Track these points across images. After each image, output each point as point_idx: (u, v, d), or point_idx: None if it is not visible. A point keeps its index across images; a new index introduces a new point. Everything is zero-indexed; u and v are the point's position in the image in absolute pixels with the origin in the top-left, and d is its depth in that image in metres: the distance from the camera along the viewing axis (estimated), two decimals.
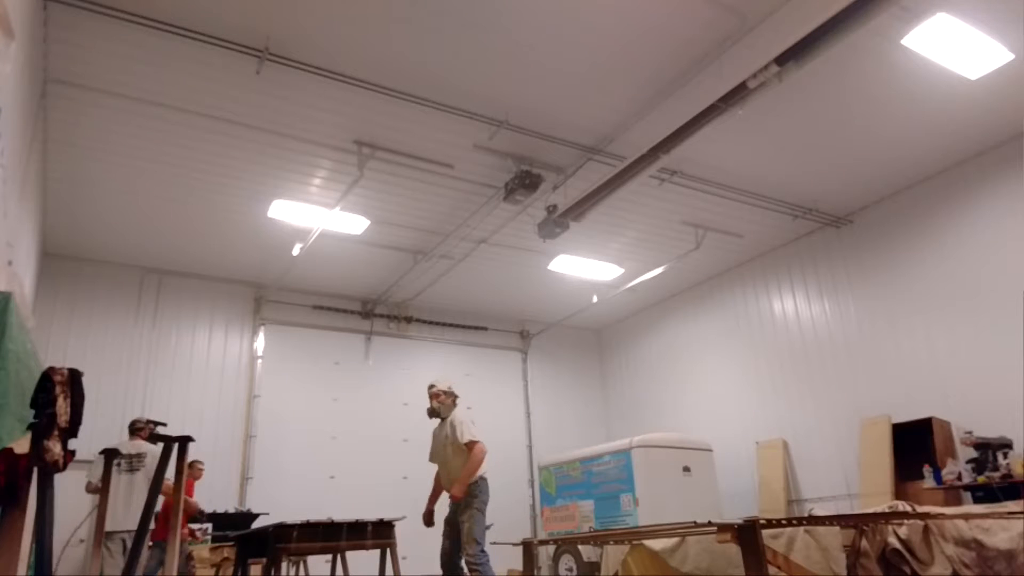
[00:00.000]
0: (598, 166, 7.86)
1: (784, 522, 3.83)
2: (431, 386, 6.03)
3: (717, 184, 8.59)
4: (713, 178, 8.49)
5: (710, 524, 3.44)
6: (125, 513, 6.37)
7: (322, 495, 9.97)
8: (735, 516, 7.03)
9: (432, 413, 5.99)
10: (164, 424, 5.85)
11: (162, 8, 5.57)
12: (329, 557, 5.72)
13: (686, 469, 9.75)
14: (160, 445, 3.50)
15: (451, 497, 5.60)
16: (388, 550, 4.70)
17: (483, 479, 5.73)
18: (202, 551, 6.91)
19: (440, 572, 5.70)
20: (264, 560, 4.03)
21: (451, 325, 12.55)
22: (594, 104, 7.08)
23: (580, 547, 9.68)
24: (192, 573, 6.86)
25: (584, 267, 10.64)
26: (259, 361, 10.62)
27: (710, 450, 10.19)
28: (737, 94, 6.07)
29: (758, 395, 10.59)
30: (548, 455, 11.54)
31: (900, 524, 4.85)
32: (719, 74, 6.26)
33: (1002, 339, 7.63)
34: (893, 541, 4.84)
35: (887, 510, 5.22)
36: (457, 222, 9.18)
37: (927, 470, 7.70)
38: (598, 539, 7.22)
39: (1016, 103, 7.21)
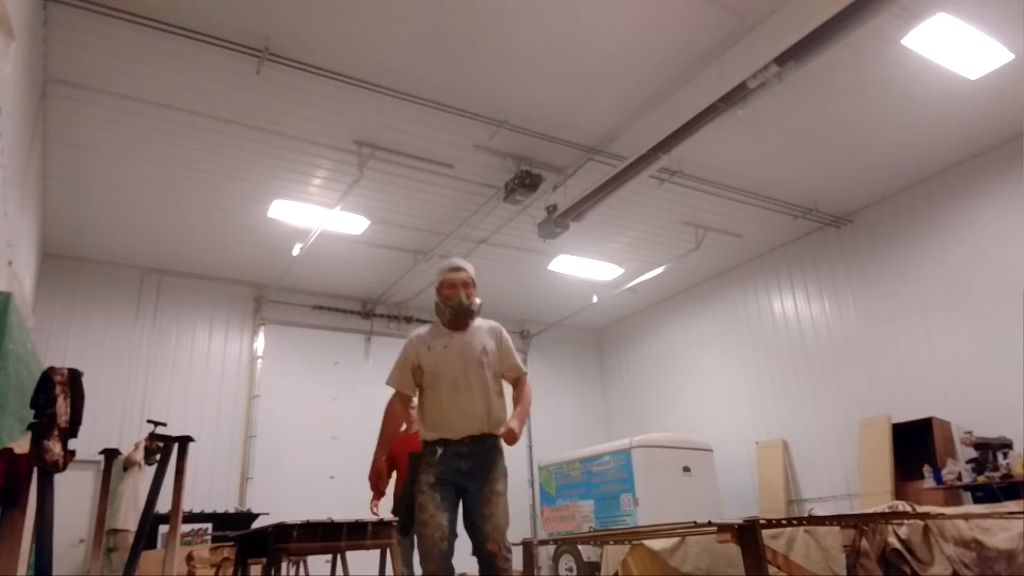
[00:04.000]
0: (598, 166, 7.85)
1: (784, 522, 3.84)
2: (460, 269, 3.67)
3: (717, 184, 8.59)
4: (713, 178, 8.49)
5: (710, 524, 3.44)
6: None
7: (322, 495, 9.97)
8: (735, 516, 7.03)
9: (463, 314, 3.59)
10: (164, 424, 5.85)
11: (162, 8, 5.57)
12: (329, 557, 5.72)
13: (686, 469, 9.75)
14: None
15: (505, 437, 3.37)
16: (388, 550, 4.70)
17: None
18: (202, 551, 6.91)
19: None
20: (264, 560, 4.02)
21: None
22: (594, 104, 7.08)
23: (580, 547, 9.68)
24: (192, 572, 6.87)
25: (584, 267, 10.64)
26: (259, 361, 10.62)
27: (710, 450, 10.19)
28: (737, 94, 6.07)
29: (758, 395, 10.58)
30: (548, 455, 11.54)
31: (900, 524, 4.85)
32: (719, 74, 6.26)
33: (1002, 339, 7.63)
34: (893, 541, 4.84)
35: (887, 510, 5.22)
36: (457, 222, 9.18)
37: (927, 470, 7.70)
38: (598, 539, 7.23)
39: (1016, 103, 7.21)
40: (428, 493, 3.29)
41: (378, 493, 3.73)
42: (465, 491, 3.38)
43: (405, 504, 3.86)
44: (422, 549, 3.21)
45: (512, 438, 3.36)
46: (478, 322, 3.66)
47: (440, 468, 3.34)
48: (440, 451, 3.38)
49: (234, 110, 6.86)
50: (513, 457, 13.40)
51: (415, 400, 3.73)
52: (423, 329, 3.69)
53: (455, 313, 3.56)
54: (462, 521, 3.40)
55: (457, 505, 3.38)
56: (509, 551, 3.29)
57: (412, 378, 3.58)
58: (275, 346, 10.84)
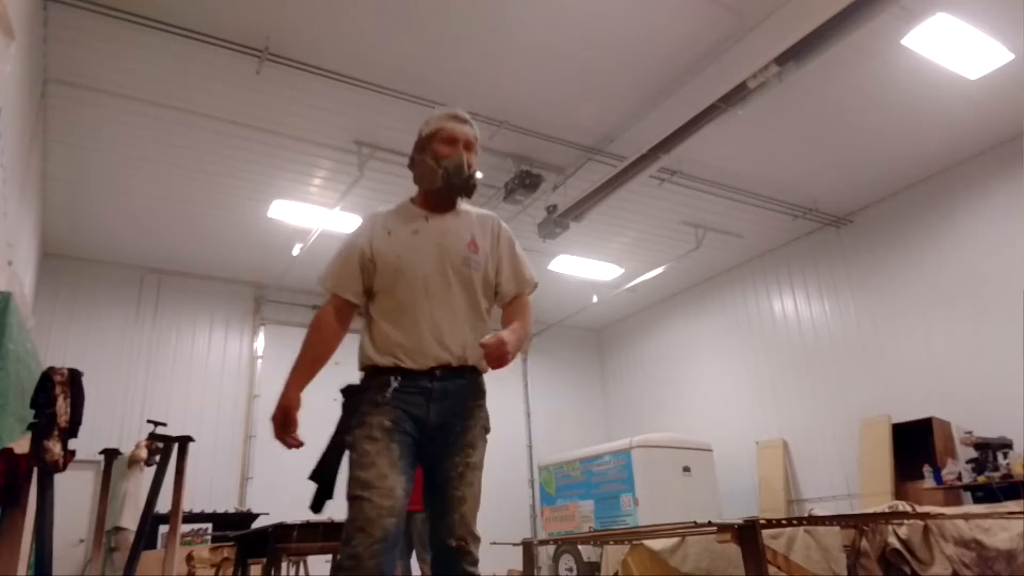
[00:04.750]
0: (598, 166, 7.85)
1: (784, 522, 3.84)
2: (464, 121, 2.46)
3: (717, 184, 8.59)
4: (713, 178, 8.48)
5: (710, 524, 3.44)
6: None
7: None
8: (735, 516, 7.04)
9: (460, 185, 2.40)
10: (164, 424, 5.86)
11: (162, 8, 5.57)
12: (329, 557, 5.72)
13: (686, 469, 9.75)
14: None
15: (491, 353, 2.15)
16: None
17: None
18: (202, 551, 6.92)
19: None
20: (264, 560, 4.03)
21: None
22: (594, 104, 7.08)
23: (580, 547, 9.68)
24: (192, 572, 6.87)
25: (584, 267, 10.64)
26: (259, 361, 10.61)
27: (710, 450, 10.19)
28: (737, 94, 6.08)
29: (758, 395, 10.58)
30: (548, 455, 11.53)
31: (900, 524, 4.85)
32: (719, 74, 6.26)
33: (1002, 339, 7.62)
34: (893, 541, 4.84)
35: (887, 510, 5.22)
36: None
37: (927, 470, 7.70)
38: (598, 539, 7.23)
39: (1016, 103, 7.21)
40: (382, 440, 2.13)
41: (286, 439, 2.34)
42: (427, 453, 2.24)
43: (330, 465, 2.32)
44: (357, 523, 2.00)
45: (501, 356, 2.14)
46: (466, 207, 2.51)
47: (395, 411, 2.19)
48: (395, 385, 2.21)
49: (234, 110, 6.86)
50: (513, 457, 13.33)
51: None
52: (384, 209, 2.47)
53: (448, 181, 2.35)
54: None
55: (414, 470, 2.22)
56: (477, 541, 2.22)
57: (359, 277, 2.33)
58: (275, 346, 10.83)
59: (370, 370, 2.31)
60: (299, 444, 2.30)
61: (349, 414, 2.33)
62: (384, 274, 2.31)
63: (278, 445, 2.35)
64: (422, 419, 2.22)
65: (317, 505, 2.29)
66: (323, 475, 2.30)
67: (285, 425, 2.31)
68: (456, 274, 2.33)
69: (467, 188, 2.41)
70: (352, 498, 2.07)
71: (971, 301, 8.07)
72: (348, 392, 2.38)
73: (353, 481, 2.09)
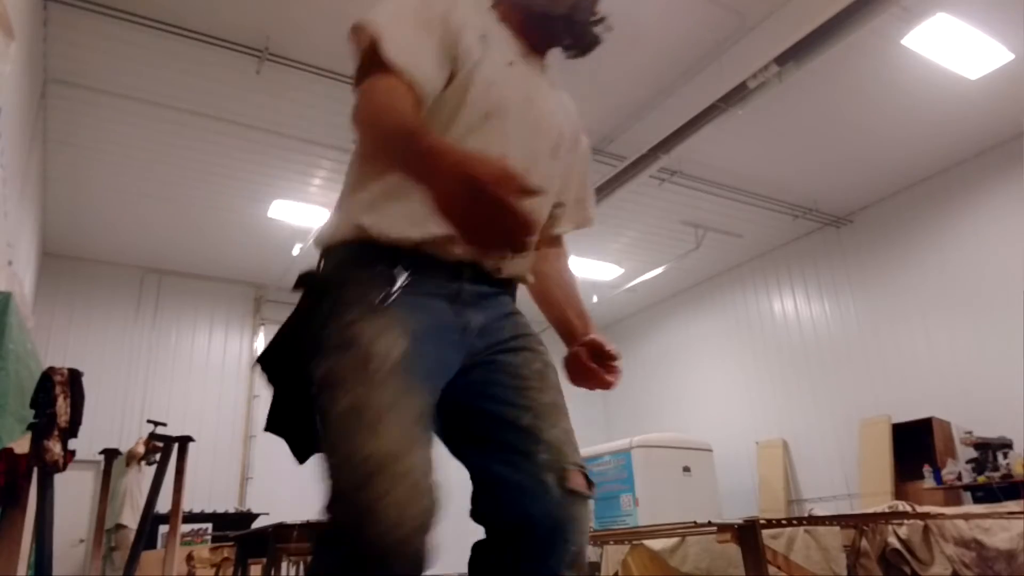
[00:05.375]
0: (598, 166, 7.85)
1: (784, 522, 3.84)
2: None
3: (717, 184, 8.59)
4: (713, 178, 8.48)
5: (710, 524, 3.44)
6: None
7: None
8: (735, 516, 7.03)
9: (583, 29, 1.54)
10: (164, 424, 5.86)
11: (162, 8, 5.57)
12: None
13: (686, 469, 9.75)
14: None
15: (575, 341, 1.64)
16: None
17: None
18: (202, 551, 6.92)
19: None
20: (264, 560, 4.03)
21: None
22: (593, 104, 7.08)
23: None
24: (192, 572, 6.88)
25: (584, 267, 10.64)
26: None
27: (710, 450, 10.19)
28: (737, 94, 6.08)
29: (758, 395, 10.58)
30: None
31: (900, 524, 4.85)
32: (719, 74, 6.26)
33: (1002, 339, 7.62)
34: (893, 541, 4.84)
35: (887, 510, 5.22)
36: None
37: (927, 470, 7.70)
38: (598, 539, 7.22)
39: (1016, 103, 7.21)
40: (396, 379, 1.10)
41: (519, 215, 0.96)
42: (461, 375, 1.30)
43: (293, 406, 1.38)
44: (376, 529, 1.01)
45: (616, 376, 1.60)
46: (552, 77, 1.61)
47: (418, 315, 1.20)
48: (403, 279, 1.20)
49: (234, 110, 6.86)
50: None
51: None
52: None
53: (571, 15, 1.49)
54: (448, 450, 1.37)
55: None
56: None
57: (444, 63, 1.28)
58: None
59: (353, 248, 1.25)
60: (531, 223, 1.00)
61: (321, 323, 1.22)
62: (458, 95, 1.30)
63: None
64: (451, 327, 1.27)
65: (297, 452, 1.49)
66: (283, 422, 1.48)
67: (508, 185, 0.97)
68: (545, 157, 1.47)
69: (587, 39, 1.55)
70: (339, 502, 1.10)
71: (971, 301, 8.07)
72: (316, 284, 1.28)
73: (341, 465, 1.11)
